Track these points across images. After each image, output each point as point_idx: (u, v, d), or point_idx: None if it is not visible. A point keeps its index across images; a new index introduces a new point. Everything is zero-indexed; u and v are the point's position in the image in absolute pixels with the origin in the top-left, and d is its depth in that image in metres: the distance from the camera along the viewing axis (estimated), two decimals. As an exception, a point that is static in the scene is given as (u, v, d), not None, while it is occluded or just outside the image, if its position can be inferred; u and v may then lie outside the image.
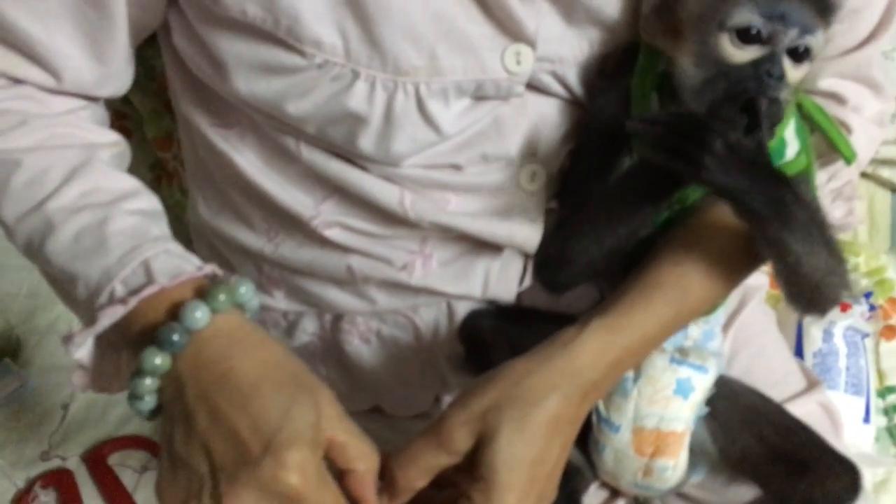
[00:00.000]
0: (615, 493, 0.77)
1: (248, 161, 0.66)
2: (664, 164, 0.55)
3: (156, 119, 1.09)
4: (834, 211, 0.65)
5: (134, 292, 0.53)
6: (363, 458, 0.53)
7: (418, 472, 0.55)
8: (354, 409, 0.78)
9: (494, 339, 0.71)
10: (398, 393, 0.77)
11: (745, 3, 0.57)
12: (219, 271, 0.57)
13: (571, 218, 0.65)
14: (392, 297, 0.71)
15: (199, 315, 0.52)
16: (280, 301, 0.74)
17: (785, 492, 0.66)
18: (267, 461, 0.48)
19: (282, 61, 0.59)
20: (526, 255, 0.70)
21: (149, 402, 0.54)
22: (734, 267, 0.62)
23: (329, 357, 0.77)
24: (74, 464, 0.89)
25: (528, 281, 0.71)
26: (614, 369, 0.59)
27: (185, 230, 1.08)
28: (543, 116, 0.66)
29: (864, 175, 1.10)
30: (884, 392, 1.03)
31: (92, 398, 0.94)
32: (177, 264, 0.55)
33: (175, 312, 0.52)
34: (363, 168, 0.64)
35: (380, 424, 0.78)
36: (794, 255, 0.57)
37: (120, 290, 0.54)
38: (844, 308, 1.01)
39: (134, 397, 0.53)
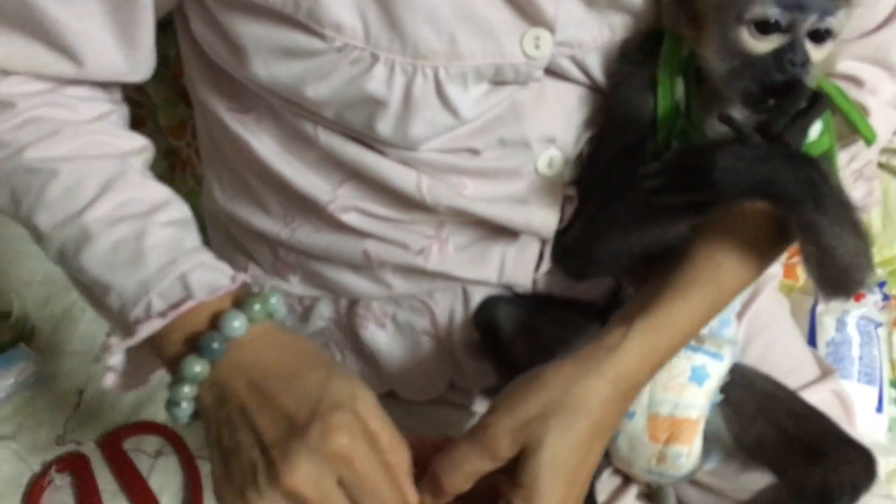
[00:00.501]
0: (627, 479, 0.77)
1: (265, 145, 0.67)
2: (684, 203, 0.57)
3: (169, 107, 1.09)
4: (855, 191, 0.65)
5: (174, 306, 0.56)
6: (394, 451, 0.54)
7: (463, 478, 0.55)
8: (369, 394, 0.79)
9: (510, 326, 0.71)
10: (413, 378, 0.77)
11: None
12: (248, 279, 0.59)
13: (601, 215, 0.65)
14: (408, 282, 0.71)
15: (238, 324, 0.55)
16: (296, 286, 0.75)
17: (800, 478, 0.66)
18: (315, 426, 0.51)
19: (301, 45, 0.59)
20: (543, 241, 0.70)
21: (186, 408, 0.56)
22: (763, 253, 0.63)
23: (344, 342, 0.78)
24: (90, 449, 0.90)
25: (544, 267, 0.71)
26: (655, 369, 0.60)
27: (198, 218, 1.09)
28: (562, 102, 0.66)
29: (878, 165, 1.10)
30: (896, 382, 1.03)
31: (106, 383, 0.94)
32: (213, 277, 0.58)
33: (214, 322, 0.55)
34: (380, 152, 0.64)
35: (395, 409, 0.78)
36: (827, 236, 0.57)
37: (157, 302, 0.57)
38: (858, 298, 1.01)
39: (173, 403, 0.56)
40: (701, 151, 0.56)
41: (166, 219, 0.60)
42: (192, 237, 0.61)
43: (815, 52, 0.60)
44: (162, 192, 0.63)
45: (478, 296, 0.72)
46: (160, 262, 0.57)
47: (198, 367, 0.55)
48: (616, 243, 0.64)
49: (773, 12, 0.57)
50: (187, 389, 0.55)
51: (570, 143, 0.67)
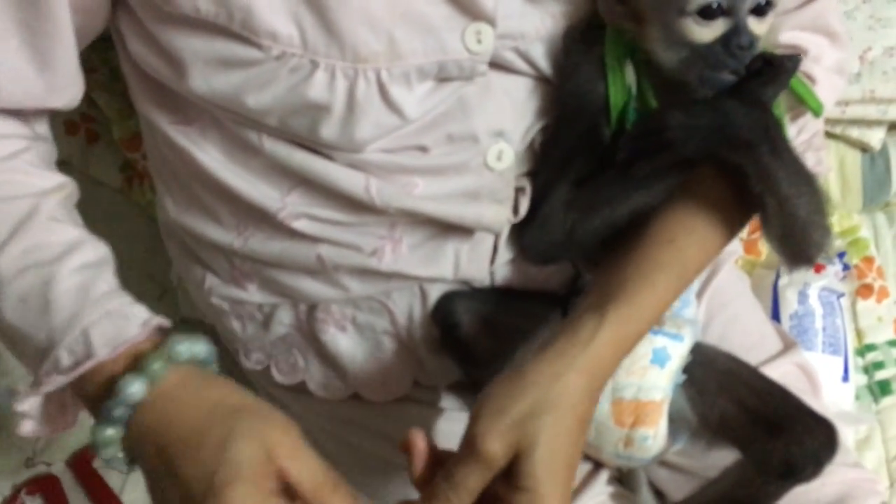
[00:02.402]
0: (598, 465, 0.78)
1: (211, 157, 0.66)
2: (651, 167, 0.59)
3: (123, 120, 1.08)
4: (806, 161, 0.65)
5: (75, 364, 0.54)
6: (322, 496, 0.52)
7: (468, 495, 0.54)
8: (333, 398, 0.79)
9: (469, 320, 0.71)
10: (377, 379, 0.77)
11: None
12: (165, 322, 0.57)
13: (574, 200, 0.65)
14: (364, 284, 0.71)
15: (135, 389, 0.53)
16: (254, 294, 0.74)
17: (764, 453, 0.66)
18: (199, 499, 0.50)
19: (238, 55, 0.58)
20: (496, 234, 0.70)
21: (118, 463, 0.56)
22: (724, 231, 0.63)
23: (307, 347, 0.77)
24: (60, 469, 0.89)
25: (499, 259, 0.71)
26: (623, 356, 0.60)
27: (156, 230, 1.08)
28: (510, 94, 0.66)
29: (833, 136, 1.11)
30: (863, 350, 1.03)
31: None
32: (117, 329, 0.55)
33: (113, 386, 0.53)
34: (327, 157, 0.64)
35: (360, 410, 0.78)
36: (784, 183, 0.58)
37: (64, 357, 0.55)
38: (818, 269, 1.02)
39: (105, 460, 0.55)
40: (653, 117, 0.59)
41: (76, 264, 0.58)
42: (105, 280, 0.59)
43: (758, 26, 0.60)
44: (74, 234, 0.60)
45: (435, 293, 0.72)
46: (64, 315, 0.56)
47: (108, 430, 0.54)
48: (593, 222, 0.64)
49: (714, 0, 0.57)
50: (110, 450, 0.54)
51: (518, 136, 0.67)
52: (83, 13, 0.60)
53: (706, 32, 0.59)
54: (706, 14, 0.58)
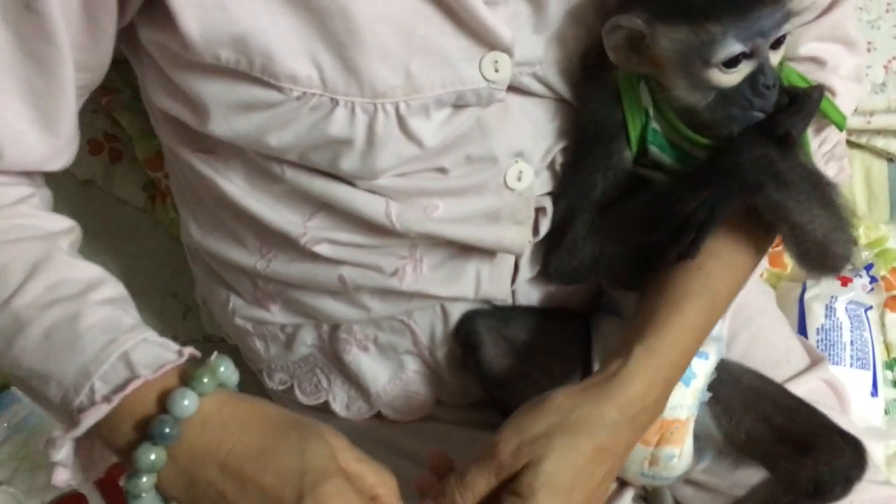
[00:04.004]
0: (623, 483, 0.77)
1: (234, 184, 0.66)
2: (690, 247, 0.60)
3: (146, 139, 1.09)
4: (828, 171, 0.65)
5: (117, 389, 0.53)
6: (382, 483, 0.54)
7: (475, 497, 0.56)
8: (356, 418, 0.79)
9: (491, 339, 0.71)
10: (399, 398, 0.77)
11: (724, 37, 0.58)
12: (197, 353, 0.56)
13: (607, 223, 0.66)
14: (386, 304, 0.71)
15: (188, 402, 0.52)
16: (277, 315, 0.74)
17: (792, 472, 0.66)
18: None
19: (259, 98, 0.58)
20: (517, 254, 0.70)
21: (148, 499, 0.53)
22: (750, 253, 0.64)
23: (329, 367, 0.78)
24: (87, 488, 0.90)
25: (520, 278, 0.71)
26: (665, 389, 0.61)
27: (179, 249, 1.09)
28: (528, 115, 0.66)
29: (859, 146, 1.09)
30: (892, 364, 1.02)
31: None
32: (157, 353, 0.55)
33: (162, 403, 0.52)
34: (348, 183, 0.64)
35: (384, 429, 0.78)
36: (796, 213, 0.59)
37: (101, 387, 0.53)
38: (845, 282, 1.01)
39: (133, 497, 0.53)
40: (657, 195, 0.62)
41: (101, 297, 0.57)
42: (131, 315, 0.58)
43: (775, 59, 0.61)
44: (94, 270, 0.60)
45: (457, 312, 0.72)
46: (99, 344, 0.54)
47: (153, 454, 0.51)
48: (621, 247, 0.65)
49: (738, 48, 0.58)
50: (145, 480, 0.52)
51: (538, 156, 0.67)
52: (86, 71, 0.59)
53: (732, 78, 0.59)
54: (731, 63, 0.58)
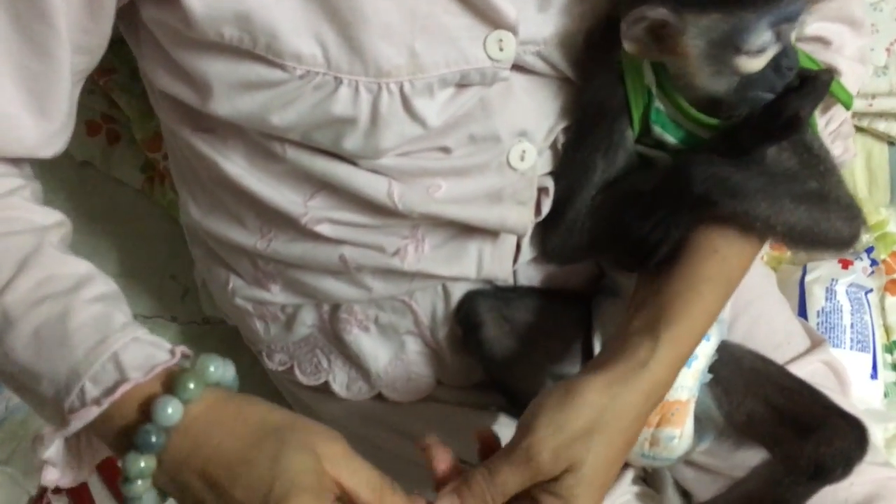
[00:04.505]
0: (623, 465, 0.77)
1: (234, 163, 0.66)
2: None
3: (144, 120, 1.09)
4: (834, 150, 0.66)
5: (107, 392, 0.52)
6: (380, 499, 0.52)
7: (504, 497, 0.55)
8: (356, 398, 0.79)
9: (492, 319, 0.71)
10: (399, 379, 0.77)
11: (758, 24, 0.57)
12: (188, 352, 0.55)
13: (606, 203, 0.66)
14: (387, 284, 0.70)
15: (171, 411, 0.51)
16: (277, 295, 0.74)
17: (793, 453, 0.66)
18: None
19: (263, 76, 0.58)
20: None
21: (147, 500, 0.53)
22: (758, 239, 0.63)
23: (330, 348, 0.77)
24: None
25: (522, 258, 0.71)
26: (677, 372, 0.61)
27: (178, 230, 1.08)
28: (531, 95, 0.65)
29: (860, 129, 1.09)
30: (891, 347, 1.02)
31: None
32: (148, 353, 0.54)
33: (147, 410, 0.51)
34: (349, 163, 0.63)
35: (384, 410, 0.78)
36: (767, 218, 0.60)
37: (91, 389, 0.52)
38: (846, 265, 1.01)
39: (132, 500, 0.53)
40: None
41: (92, 294, 0.56)
42: (123, 312, 0.57)
43: (793, 35, 0.61)
44: (85, 266, 0.58)
45: (458, 292, 0.71)
46: (89, 343, 0.53)
47: (141, 462, 0.51)
48: (613, 229, 0.65)
49: (769, 34, 0.58)
50: (140, 484, 0.52)
51: (541, 136, 0.66)
52: (85, 54, 0.59)
53: (759, 63, 0.59)
54: (760, 49, 0.58)
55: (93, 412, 0.52)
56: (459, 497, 0.53)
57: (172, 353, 0.54)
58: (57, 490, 0.88)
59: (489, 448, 0.57)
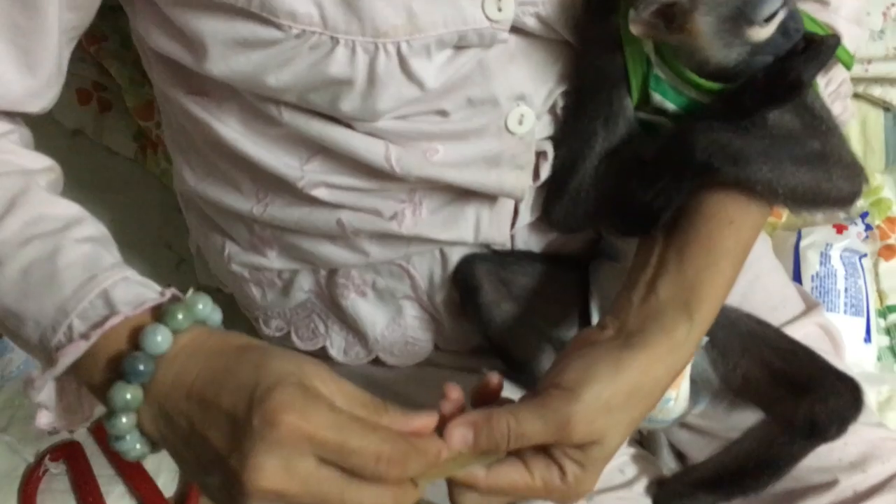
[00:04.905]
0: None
1: (229, 127, 0.65)
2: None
3: (135, 88, 1.08)
4: (833, 110, 0.66)
5: (96, 326, 0.51)
6: (363, 406, 0.50)
7: (519, 447, 0.53)
8: (354, 363, 0.79)
9: (489, 283, 0.71)
10: (397, 343, 0.77)
11: None
12: (179, 294, 0.54)
13: (610, 171, 0.66)
14: (384, 248, 0.70)
15: (161, 339, 0.50)
16: (274, 260, 0.74)
17: (788, 413, 0.66)
18: (255, 416, 0.46)
19: (258, 35, 0.57)
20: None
21: (132, 440, 0.51)
22: (766, 206, 0.64)
23: (327, 313, 0.77)
24: (82, 436, 0.90)
25: (520, 222, 0.71)
26: None
27: (171, 199, 1.08)
28: (529, 58, 0.65)
29: (856, 95, 1.09)
30: (884, 312, 1.03)
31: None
32: (138, 291, 0.53)
33: (135, 340, 0.50)
34: (346, 126, 0.63)
35: (380, 374, 0.78)
36: (770, 182, 0.60)
37: (78, 325, 0.51)
38: (840, 230, 1.01)
39: (115, 439, 0.51)
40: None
41: (81, 235, 0.55)
42: (112, 254, 0.56)
43: None
44: (74, 209, 0.58)
45: (455, 256, 0.71)
46: (78, 281, 0.52)
47: (128, 393, 0.49)
48: (618, 196, 0.64)
49: (779, 1, 0.58)
50: (125, 420, 0.50)
51: (540, 100, 0.66)
52: (76, 10, 0.58)
53: (769, 30, 0.59)
54: (771, 16, 0.58)
55: (81, 346, 0.51)
56: (475, 431, 0.51)
57: (162, 293, 0.53)
58: (55, 457, 0.88)
59: (490, 395, 0.55)
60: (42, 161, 0.60)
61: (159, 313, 0.51)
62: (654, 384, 0.57)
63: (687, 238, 0.61)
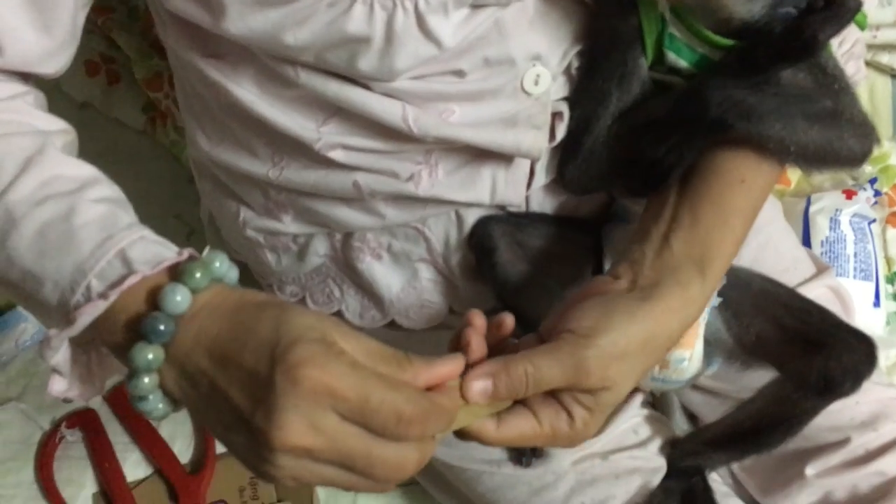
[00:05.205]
0: (633, 389, 0.78)
1: (245, 89, 0.65)
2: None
3: (143, 59, 1.08)
4: (847, 71, 0.66)
5: (114, 285, 0.50)
6: (385, 362, 0.49)
7: (539, 390, 0.53)
8: (370, 326, 0.79)
9: (505, 245, 0.71)
10: (412, 306, 0.77)
11: None
12: (197, 254, 0.53)
13: (623, 132, 0.66)
14: (400, 210, 0.71)
15: (180, 298, 0.49)
16: (289, 225, 0.74)
17: (802, 369, 0.67)
18: (278, 372, 0.46)
19: None
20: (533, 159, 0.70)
21: (155, 400, 0.51)
22: (776, 165, 0.64)
23: (342, 277, 0.78)
24: (97, 403, 0.91)
25: (536, 183, 0.71)
26: None
27: (181, 170, 1.08)
28: (545, 18, 0.65)
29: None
30: (892, 277, 1.03)
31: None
32: (156, 251, 0.52)
33: (154, 300, 0.50)
34: (363, 86, 0.63)
35: (395, 336, 0.79)
36: (783, 140, 0.60)
37: (97, 284, 0.51)
38: (850, 195, 1.02)
39: (138, 399, 0.51)
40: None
41: (97, 195, 0.55)
42: (129, 214, 0.56)
43: None
44: (89, 169, 0.58)
45: (471, 218, 0.72)
46: (95, 241, 0.52)
47: (149, 353, 0.49)
48: (631, 155, 0.65)
49: None
50: (147, 380, 0.50)
51: (556, 60, 0.66)
52: None
53: None
54: None
55: (99, 306, 0.50)
56: (494, 381, 0.52)
57: (180, 253, 0.53)
58: (70, 424, 0.89)
59: (502, 336, 0.55)
60: (57, 123, 0.60)
61: (177, 272, 0.51)
62: (667, 336, 0.58)
63: (699, 195, 0.62)
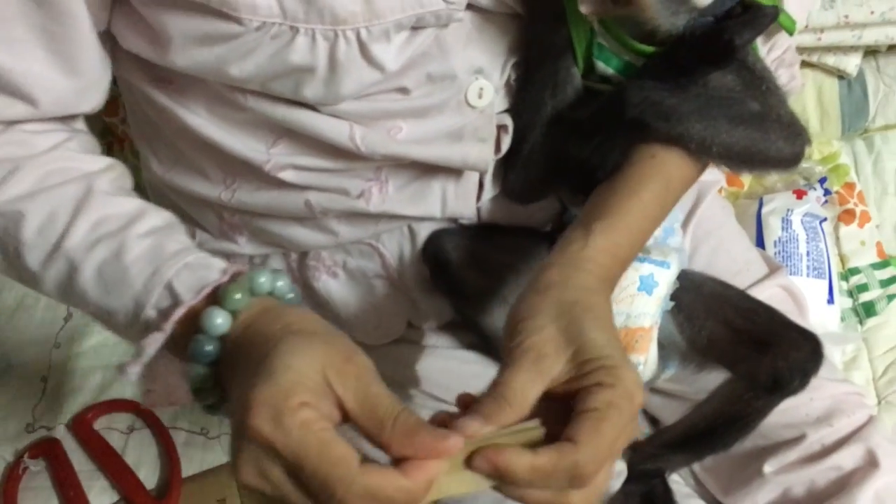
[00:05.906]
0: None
1: (194, 113, 0.66)
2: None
3: (99, 85, 1.07)
4: (779, 79, 0.67)
5: (166, 315, 0.55)
6: (366, 415, 0.47)
7: (528, 403, 0.50)
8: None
9: (458, 257, 0.72)
10: (370, 322, 0.78)
11: None
12: (243, 268, 0.56)
13: (557, 137, 0.66)
14: (353, 227, 0.71)
15: (221, 321, 0.53)
16: (244, 246, 0.75)
17: (752, 369, 0.68)
18: (245, 418, 0.47)
19: (220, 30, 0.58)
20: (481, 171, 0.71)
21: (225, 410, 0.55)
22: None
23: (300, 296, 0.78)
24: (61, 433, 0.90)
25: (485, 195, 0.72)
26: (623, 266, 0.60)
27: (140, 193, 1.07)
28: (484, 32, 0.66)
29: (810, 64, 1.11)
30: (846, 274, 1.05)
31: (69, 368, 0.94)
32: (200, 276, 0.56)
33: (199, 324, 0.53)
34: (310, 108, 0.63)
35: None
36: (704, 141, 0.61)
37: (153, 315, 0.56)
38: (800, 195, 1.03)
39: (209, 409, 0.55)
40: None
41: (143, 229, 0.59)
42: (176, 240, 0.59)
43: None
44: (135, 203, 0.61)
45: (424, 232, 0.72)
46: (145, 275, 0.56)
47: (198, 368, 0.53)
48: (572, 160, 0.65)
49: None
50: (206, 395, 0.54)
51: (497, 73, 0.67)
52: (97, 6, 0.59)
53: None
54: None
55: (158, 338, 0.55)
56: (485, 414, 0.49)
57: (224, 272, 0.56)
58: (33, 454, 0.88)
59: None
60: (100, 162, 0.63)
61: (218, 295, 0.54)
62: (580, 282, 0.54)
63: (609, 180, 0.62)
